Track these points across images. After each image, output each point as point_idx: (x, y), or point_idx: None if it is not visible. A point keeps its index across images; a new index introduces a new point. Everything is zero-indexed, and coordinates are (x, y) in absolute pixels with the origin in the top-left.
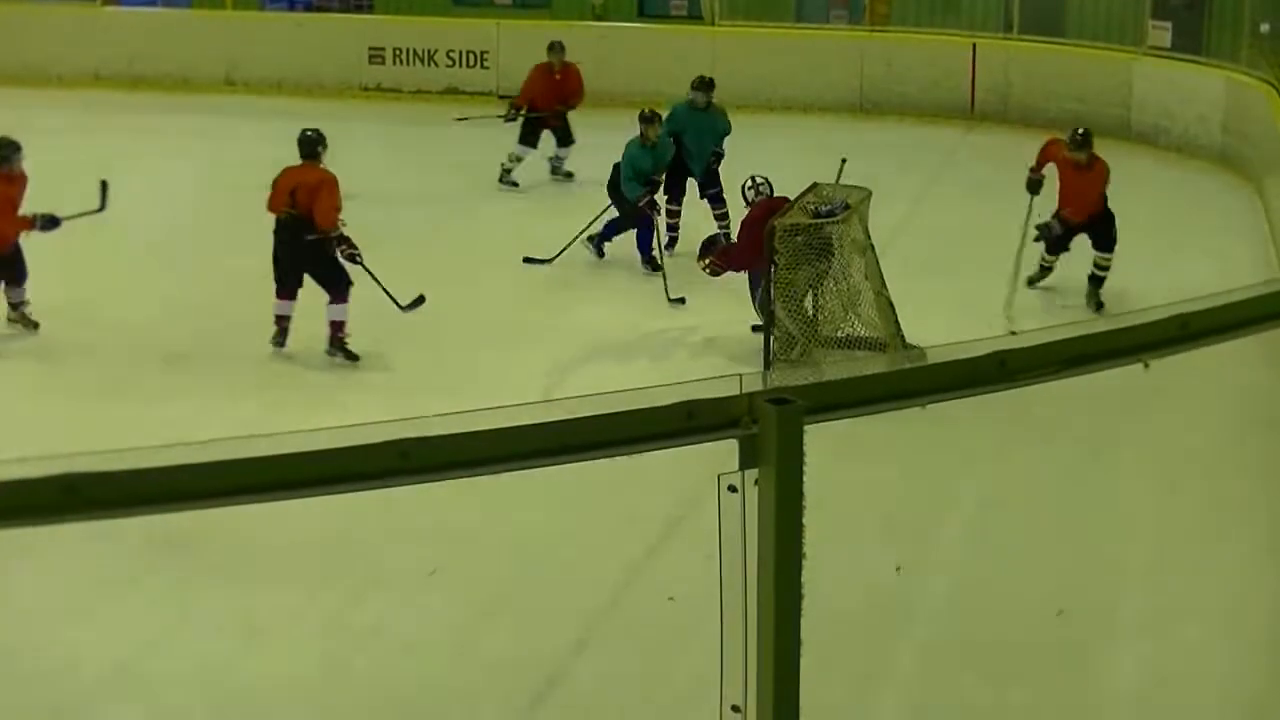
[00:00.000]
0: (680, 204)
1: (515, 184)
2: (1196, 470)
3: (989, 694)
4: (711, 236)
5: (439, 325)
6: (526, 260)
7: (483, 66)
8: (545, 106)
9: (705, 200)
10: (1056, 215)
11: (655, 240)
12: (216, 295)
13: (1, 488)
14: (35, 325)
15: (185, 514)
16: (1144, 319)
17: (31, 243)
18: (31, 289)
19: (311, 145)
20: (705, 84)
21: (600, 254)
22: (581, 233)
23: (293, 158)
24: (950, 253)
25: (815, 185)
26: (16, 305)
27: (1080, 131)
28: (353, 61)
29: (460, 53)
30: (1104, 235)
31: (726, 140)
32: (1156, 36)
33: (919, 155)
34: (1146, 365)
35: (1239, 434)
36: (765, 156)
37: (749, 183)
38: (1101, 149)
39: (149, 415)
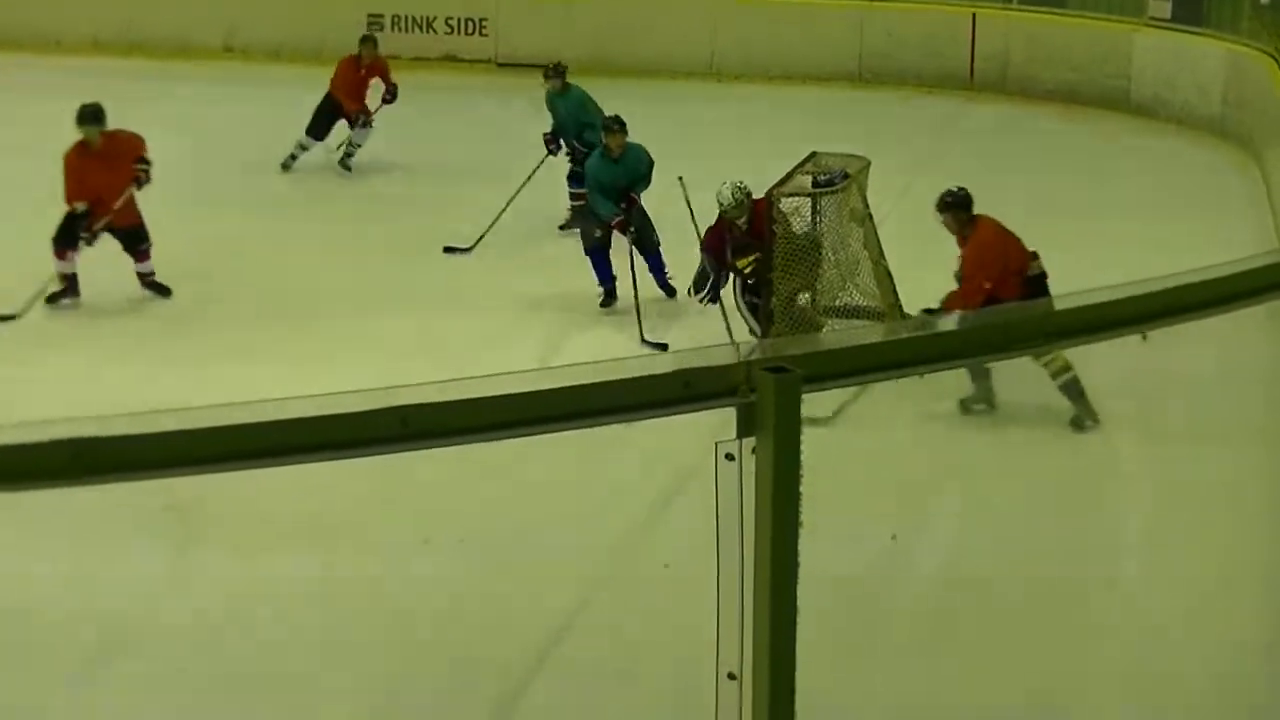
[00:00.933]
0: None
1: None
2: (1196, 440)
3: (984, 664)
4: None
5: (432, 293)
6: (447, 250)
7: (481, 34)
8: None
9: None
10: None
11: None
12: (211, 261)
13: (9, 452)
14: (168, 291)
15: (183, 480)
16: (1142, 290)
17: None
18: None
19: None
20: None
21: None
22: (500, 214)
23: (292, 123)
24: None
25: (814, 154)
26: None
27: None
28: (352, 28)
29: (459, 20)
30: None
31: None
32: (1157, 7)
33: (918, 125)
34: (1144, 337)
35: (1239, 406)
36: (763, 127)
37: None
38: (1101, 120)
39: (151, 379)
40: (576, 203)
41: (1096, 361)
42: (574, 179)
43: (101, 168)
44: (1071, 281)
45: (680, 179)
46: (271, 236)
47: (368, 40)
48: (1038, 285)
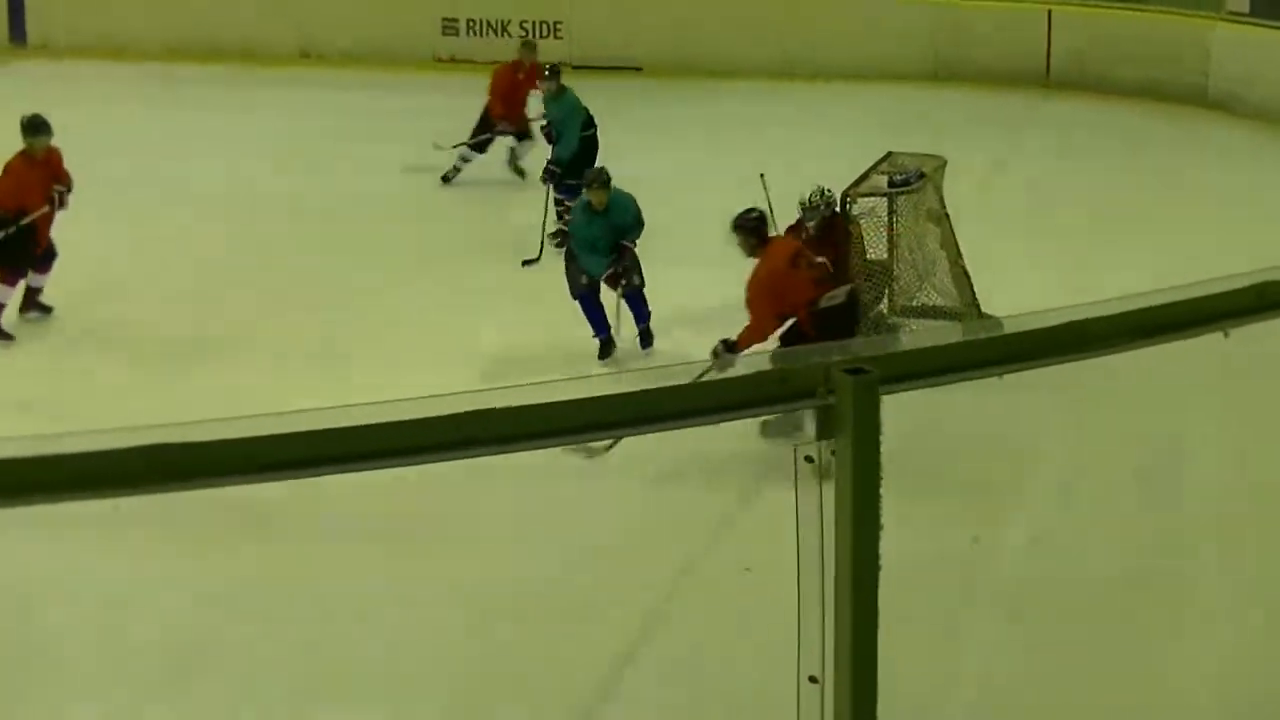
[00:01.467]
0: None
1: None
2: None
3: (1065, 666)
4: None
5: (516, 297)
6: (526, 264)
7: (556, 37)
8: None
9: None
10: None
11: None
12: (278, 265)
13: (85, 459)
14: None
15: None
16: (1222, 288)
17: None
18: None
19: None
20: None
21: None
22: (545, 220)
23: (372, 130)
24: (1027, 221)
25: (890, 154)
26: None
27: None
28: (426, 32)
29: (534, 23)
30: None
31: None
32: (1235, 1)
33: (995, 123)
34: (1226, 334)
35: None
36: (839, 126)
37: (812, 197)
38: (1179, 114)
39: (215, 386)
40: (559, 208)
41: (1175, 358)
42: (564, 189)
43: (40, 179)
44: (1150, 279)
45: (762, 176)
46: (344, 241)
47: (528, 45)
48: (838, 315)
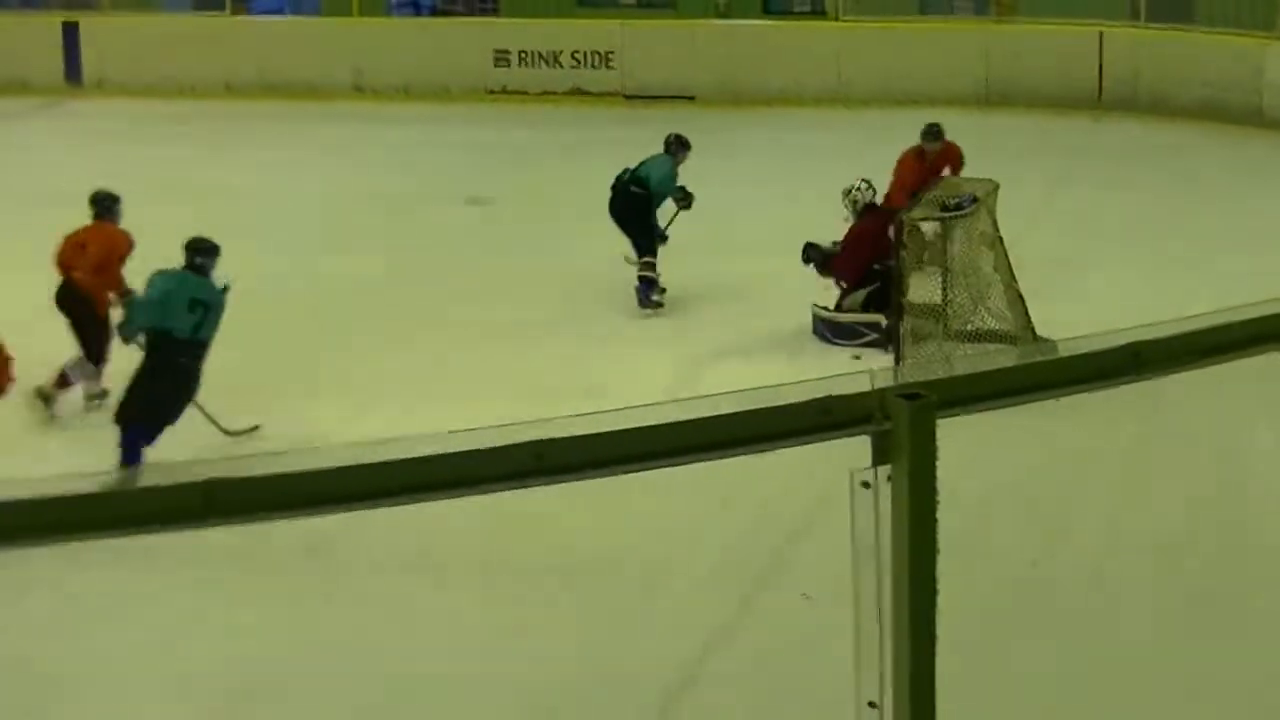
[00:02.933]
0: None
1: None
2: None
3: (1125, 689)
4: (813, 245)
5: (567, 328)
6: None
7: (608, 67)
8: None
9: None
10: None
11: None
12: (342, 297)
13: (139, 495)
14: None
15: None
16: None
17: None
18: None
19: (105, 204)
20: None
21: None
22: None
23: (426, 162)
24: (1081, 244)
25: (943, 178)
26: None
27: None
28: (478, 65)
29: (585, 53)
30: None
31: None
32: None
33: (1047, 146)
34: None
35: None
36: (891, 151)
37: (852, 189)
38: (1233, 135)
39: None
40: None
41: (1235, 380)
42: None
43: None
44: (1207, 300)
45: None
46: (398, 272)
47: (932, 132)
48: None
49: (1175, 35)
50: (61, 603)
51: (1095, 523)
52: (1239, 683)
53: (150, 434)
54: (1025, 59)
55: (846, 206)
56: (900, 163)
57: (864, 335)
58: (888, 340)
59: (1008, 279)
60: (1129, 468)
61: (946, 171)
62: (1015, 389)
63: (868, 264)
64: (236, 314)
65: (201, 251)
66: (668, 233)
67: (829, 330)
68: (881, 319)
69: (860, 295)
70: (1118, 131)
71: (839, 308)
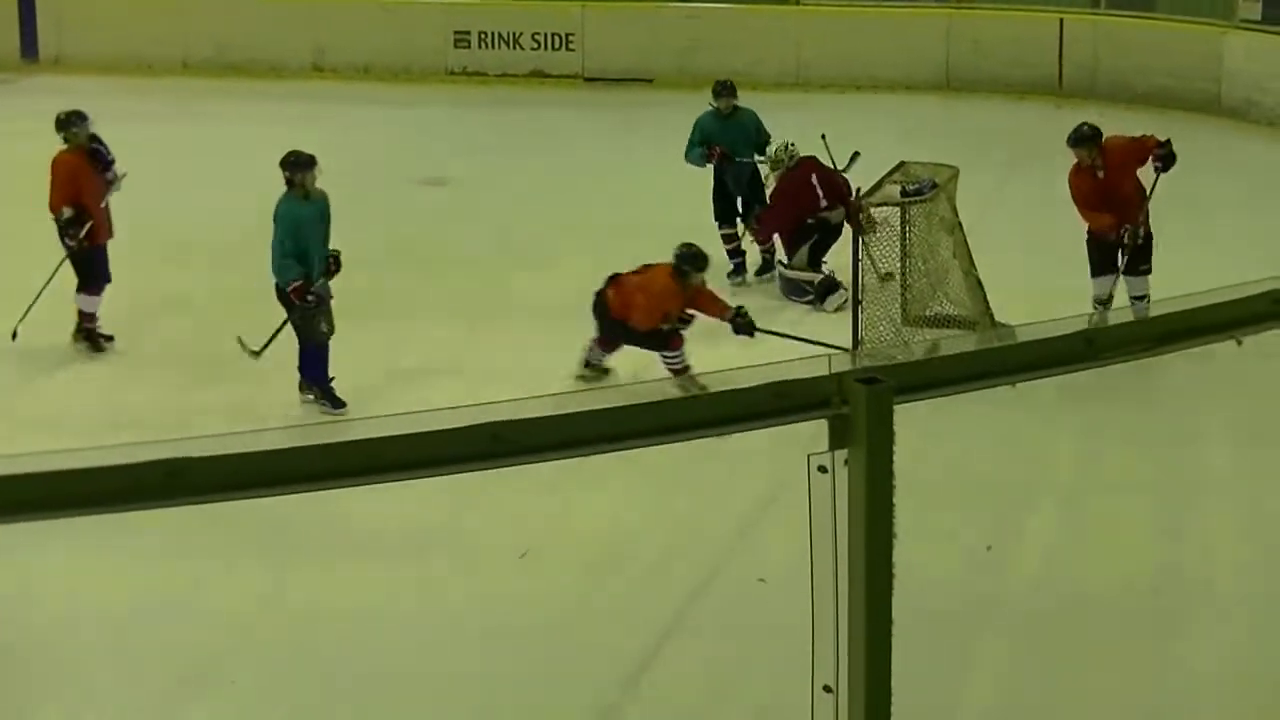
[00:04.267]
0: (734, 225)
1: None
2: None
3: (1078, 673)
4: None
5: (522, 309)
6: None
7: (568, 49)
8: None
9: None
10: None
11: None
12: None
13: (107, 473)
14: (108, 340)
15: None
16: (1235, 295)
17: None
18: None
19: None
20: (727, 88)
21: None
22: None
23: (385, 142)
24: (1040, 230)
25: (902, 164)
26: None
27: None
28: (438, 45)
29: (545, 35)
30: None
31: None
32: (1247, 9)
33: (1007, 132)
34: (1239, 342)
35: None
36: (852, 137)
37: (776, 149)
38: (1192, 122)
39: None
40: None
41: (1185, 367)
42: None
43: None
44: (1166, 286)
45: (823, 136)
46: (355, 252)
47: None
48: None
49: (1134, 22)
50: (15, 578)
51: (1050, 507)
52: (1195, 668)
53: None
54: (986, 45)
55: (770, 167)
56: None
57: (808, 293)
58: (824, 295)
59: (966, 265)
60: (1084, 453)
61: (1148, 173)
62: (973, 375)
63: (794, 219)
64: (195, 287)
65: (286, 165)
66: None
67: (787, 289)
68: (815, 276)
69: (804, 251)
70: (1078, 118)
71: (788, 266)
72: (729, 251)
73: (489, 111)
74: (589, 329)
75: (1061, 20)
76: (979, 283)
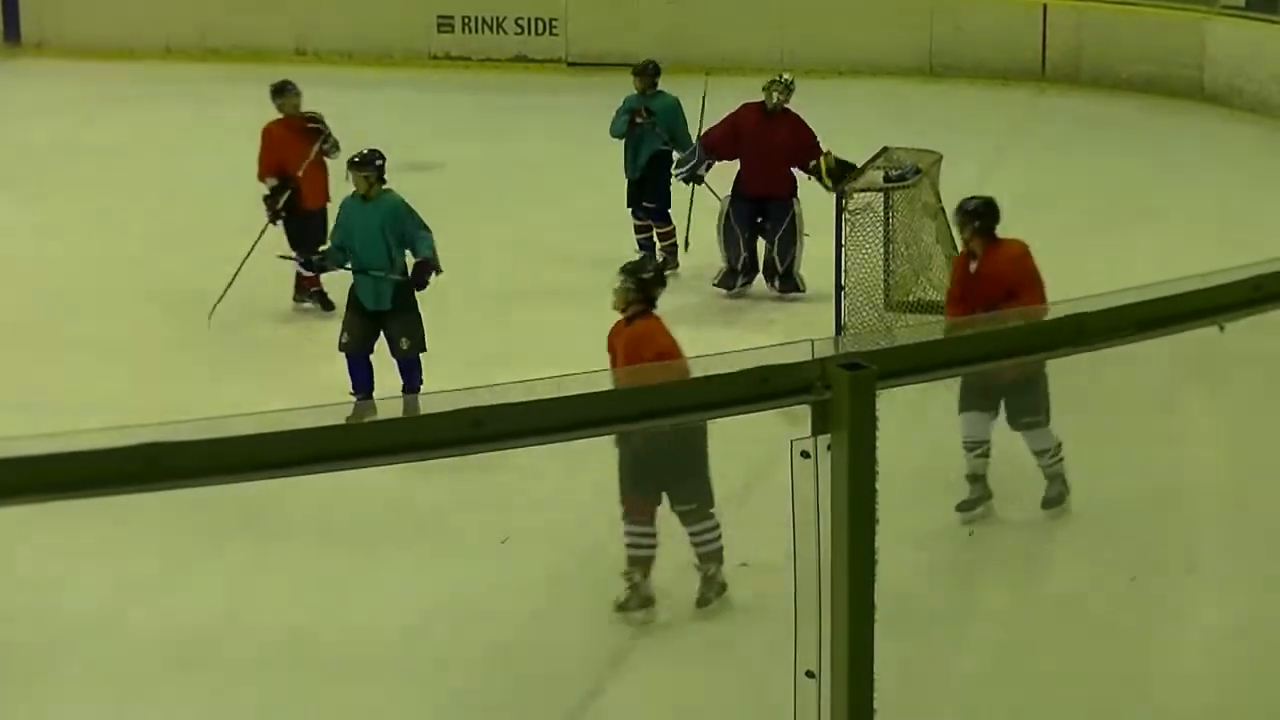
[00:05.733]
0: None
1: None
2: (1274, 436)
3: (1062, 658)
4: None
5: (503, 291)
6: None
7: (551, 34)
8: None
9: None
10: None
11: None
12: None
13: (86, 457)
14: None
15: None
16: (1218, 281)
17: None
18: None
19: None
20: (647, 70)
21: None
22: None
23: (368, 127)
24: (1023, 216)
25: (885, 149)
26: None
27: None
28: (421, 30)
29: (529, 20)
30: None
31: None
32: None
33: (990, 118)
34: (1222, 328)
35: None
36: (835, 120)
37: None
38: (1175, 108)
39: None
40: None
41: (1167, 353)
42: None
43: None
44: (1147, 273)
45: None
46: None
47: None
48: None
49: (1118, 9)
50: None
51: (1032, 491)
52: (1180, 645)
53: None
54: (969, 31)
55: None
56: None
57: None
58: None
59: (950, 250)
60: (1067, 438)
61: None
62: (956, 360)
63: (729, 145)
64: (182, 270)
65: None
66: None
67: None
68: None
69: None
70: (1061, 104)
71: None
72: (640, 242)
73: (472, 96)
74: (572, 312)
75: (1045, 5)
76: None
